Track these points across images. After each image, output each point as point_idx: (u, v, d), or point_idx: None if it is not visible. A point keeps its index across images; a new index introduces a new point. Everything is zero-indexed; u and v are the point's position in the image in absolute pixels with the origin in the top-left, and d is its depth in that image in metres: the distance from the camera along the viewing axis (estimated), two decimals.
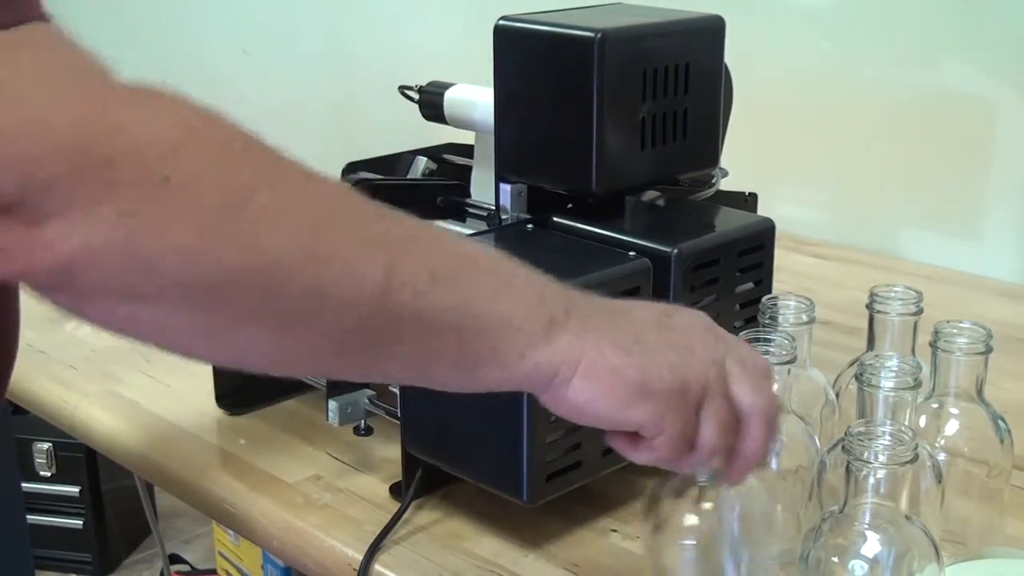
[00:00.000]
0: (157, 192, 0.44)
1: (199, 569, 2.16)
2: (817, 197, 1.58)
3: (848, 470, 0.62)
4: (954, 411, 0.74)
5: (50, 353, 1.13)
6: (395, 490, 0.89)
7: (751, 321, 0.85)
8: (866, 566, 0.62)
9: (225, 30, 2.35)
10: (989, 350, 0.73)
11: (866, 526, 0.62)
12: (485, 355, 0.54)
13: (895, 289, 0.79)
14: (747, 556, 0.67)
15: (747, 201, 1.03)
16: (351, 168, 1.05)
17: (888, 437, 0.61)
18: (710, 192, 0.97)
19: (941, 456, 0.74)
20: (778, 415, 0.62)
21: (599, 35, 0.85)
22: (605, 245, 0.86)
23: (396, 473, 0.89)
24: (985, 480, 0.75)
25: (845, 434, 0.62)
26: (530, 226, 0.91)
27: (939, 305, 0.87)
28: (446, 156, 1.09)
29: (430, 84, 1.08)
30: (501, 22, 0.91)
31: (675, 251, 0.83)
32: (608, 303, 0.60)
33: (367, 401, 0.95)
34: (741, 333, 0.73)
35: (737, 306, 0.89)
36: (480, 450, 0.82)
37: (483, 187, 1.00)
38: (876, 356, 0.72)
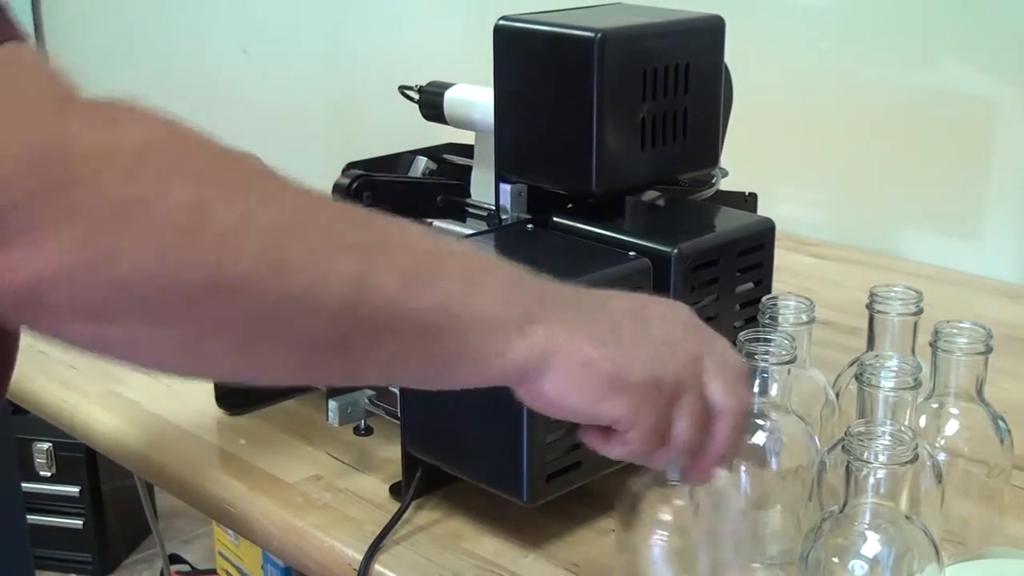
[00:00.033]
0: (118, 214, 0.44)
1: (199, 569, 2.16)
2: (817, 197, 1.58)
3: (848, 470, 0.62)
4: (954, 411, 0.74)
5: (50, 353, 1.13)
6: (395, 490, 0.89)
7: (751, 321, 0.85)
8: (866, 566, 0.62)
9: (225, 30, 2.35)
10: (989, 350, 0.73)
11: (866, 526, 0.62)
12: (460, 354, 0.54)
13: (895, 289, 0.79)
14: (720, 554, 0.67)
15: (747, 201, 1.03)
16: (351, 168, 1.05)
17: (888, 437, 0.61)
18: (710, 192, 0.97)
19: (941, 456, 0.74)
20: (748, 417, 0.61)
21: (599, 35, 0.85)
22: (605, 245, 0.86)
23: (396, 473, 0.89)
24: (985, 480, 0.75)
25: (845, 434, 0.62)
26: (530, 226, 0.91)
27: (939, 305, 0.87)
28: (446, 156, 1.09)
29: (430, 84, 1.08)
30: (501, 22, 0.91)
31: (675, 251, 0.83)
32: (585, 294, 0.60)
33: (367, 401, 0.95)
34: (741, 333, 0.73)
35: (737, 306, 0.89)
36: (480, 450, 0.82)
37: (483, 187, 1.00)
38: (876, 356, 0.72)
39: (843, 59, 1.51)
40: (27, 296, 0.44)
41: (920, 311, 0.78)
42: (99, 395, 1.06)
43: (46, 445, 2.21)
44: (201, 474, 0.93)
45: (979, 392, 0.74)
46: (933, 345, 0.74)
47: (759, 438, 0.73)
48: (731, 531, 0.68)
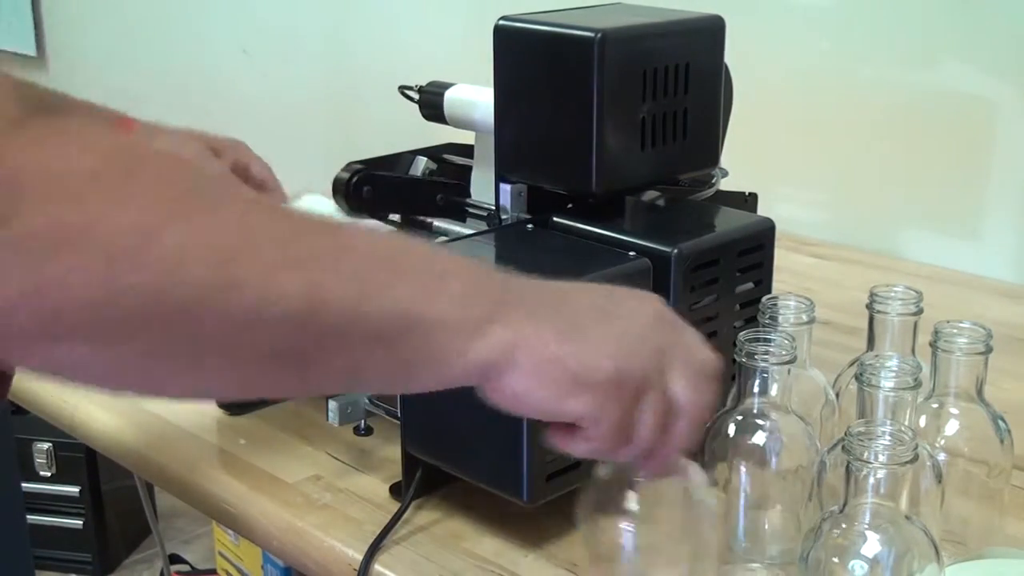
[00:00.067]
0: (64, 240, 0.44)
1: (199, 569, 2.16)
2: (817, 197, 1.58)
3: (848, 470, 0.62)
4: (954, 411, 0.74)
5: None
6: (395, 490, 0.89)
7: (751, 321, 0.85)
8: (866, 566, 0.62)
9: (225, 30, 2.35)
10: (989, 350, 0.73)
11: (866, 526, 0.62)
12: (421, 357, 0.53)
13: (895, 289, 0.79)
14: (687, 546, 0.67)
15: (747, 201, 1.03)
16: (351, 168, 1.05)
17: (888, 437, 0.61)
18: (710, 192, 0.97)
19: (941, 456, 0.74)
20: (712, 413, 0.61)
21: (599, 35, 0.85)
22: (605, 245, 0.86)
23: (396, 473, 0.89)
24: (985, 480, 0.75)
25: (845, 434, 0.62)
26: (530, 226, 0.91)
27: (939, 305, 0.87)
28: (446, 156, 1.09)
29: (430, 84, 1.08)
30: (501, 22, 0.91)
31: (675, 251, 0.83)
32: (550, 289, 0.59)
33: (367, 401, 0.95)
34: (741, 333, 0.73)
35: (737, 306, 0.89)
36: (480, 450, 0.82)
37: (483, 187, 1.00)
38: (876, 356, 0.72)
39: (843, 59, 1.51)
40: None
41: (920, 311, 0.78)
42: (99, 395, 1.06)
43: (46, 445, 2.21)
44: (201, 474, 0.93)
45: (979, 392, 0.74)
46: (933, 345, 0.74)
47: (759, 438, 0.73)
48: (697, 522, 0.68)
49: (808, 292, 0.81)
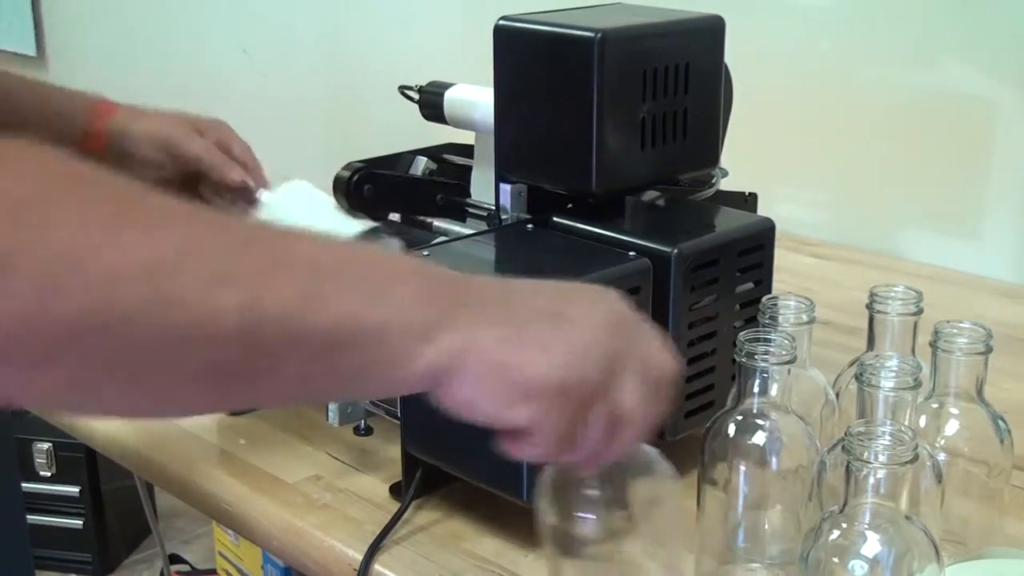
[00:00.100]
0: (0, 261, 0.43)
1: (199, 569, 2.16)
2: (817, 197, 1.58)
3: (848, 470, 0.62)
4: (954, 411, 0.74)
5: None
6: (395, 490, 0.89)
7: (751, 321, 0.85)
8: (866, 566, 0.62)
9: (225, 30, 2.35)
10: (989, 350, 0.73)
11: (866, 526, 0.62)
12: (368, 365, 0.52)
13: (895, 289, 0.79)
14: (647, 539, 0.66)
15: (747, 201, 1.03)
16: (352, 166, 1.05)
17: (888, 437, 0.61)
18: (710, 192, 0.97)
19: (941, 456, 0.74)
20: (658, 421, 0.60)
21: (599, 35, 0.85)
22: (605, 245, 0.86)
23: (396, 473, 0.89)
24: (985, 480, 0.75)
25: (845, 434, 0.62)
26: (530, 226, 0.91)
27: (939, 305, 0.87)
28: (446, 156, 1.09)
29: (430, 84, 1.08)
30: (501, 22, 0.91)
31: (675, 251, 0.83)
32: (504, 292, 0.58)
33: (367, 401, 0.95)
34: (741, 333, 0.73)
35: (737, 306, 0.89)
36: (480, 450, 0.81)
37: (483, 187, 1.00)
38: (876, 356, 0.72)
39: (843, 59, 1.51)
40: None
41: (920, 311, 0.78)
42: None
43: (46, 445, 2.21)
44: (201, 474, 0.93)
45: (979, 392, 0.74)
46: (933, 345, 0.74)
47: (759, 438, 0.73)
48: (657, 509, 0.67)
49: (808, 292, 0.81)
